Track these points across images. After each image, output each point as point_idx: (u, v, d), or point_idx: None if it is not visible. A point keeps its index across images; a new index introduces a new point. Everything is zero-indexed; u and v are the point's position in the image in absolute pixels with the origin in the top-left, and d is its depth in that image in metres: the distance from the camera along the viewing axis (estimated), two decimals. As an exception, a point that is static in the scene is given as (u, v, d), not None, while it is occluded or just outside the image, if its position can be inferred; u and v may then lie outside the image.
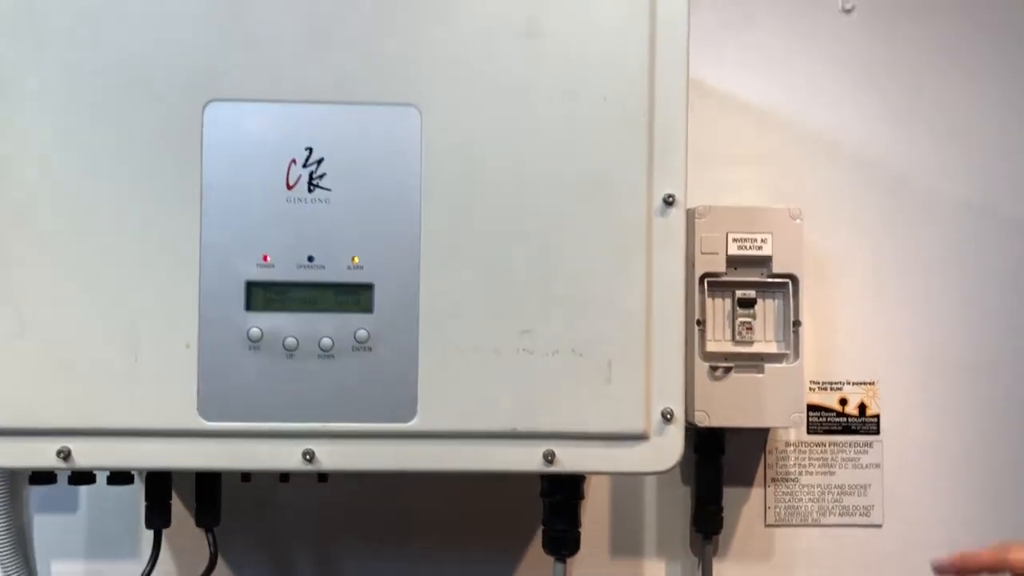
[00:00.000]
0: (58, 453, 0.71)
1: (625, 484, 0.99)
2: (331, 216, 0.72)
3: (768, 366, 0.89)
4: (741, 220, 0.89)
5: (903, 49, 1.02)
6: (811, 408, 1.00)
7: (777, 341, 0.90)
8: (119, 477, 0.83)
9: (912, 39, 1.02)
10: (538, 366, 0.73)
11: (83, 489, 0.96)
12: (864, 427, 1.01)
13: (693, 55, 0.75)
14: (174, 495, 0.86)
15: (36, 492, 0.96)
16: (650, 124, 0.73)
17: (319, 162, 0.72)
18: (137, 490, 0.95)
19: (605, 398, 0.73)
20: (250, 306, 0.72)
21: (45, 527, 0.97)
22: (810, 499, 1.00)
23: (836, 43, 1.02)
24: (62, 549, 0.97)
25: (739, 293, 0.90)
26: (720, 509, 0.97)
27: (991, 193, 1.02)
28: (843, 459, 1.01)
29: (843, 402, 1.01)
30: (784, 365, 0.90)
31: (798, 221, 0.90)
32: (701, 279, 0.89)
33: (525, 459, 0.73)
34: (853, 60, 1.02)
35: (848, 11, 1.02)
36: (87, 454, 0.71)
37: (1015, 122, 1.03)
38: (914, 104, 1.02)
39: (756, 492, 1.00)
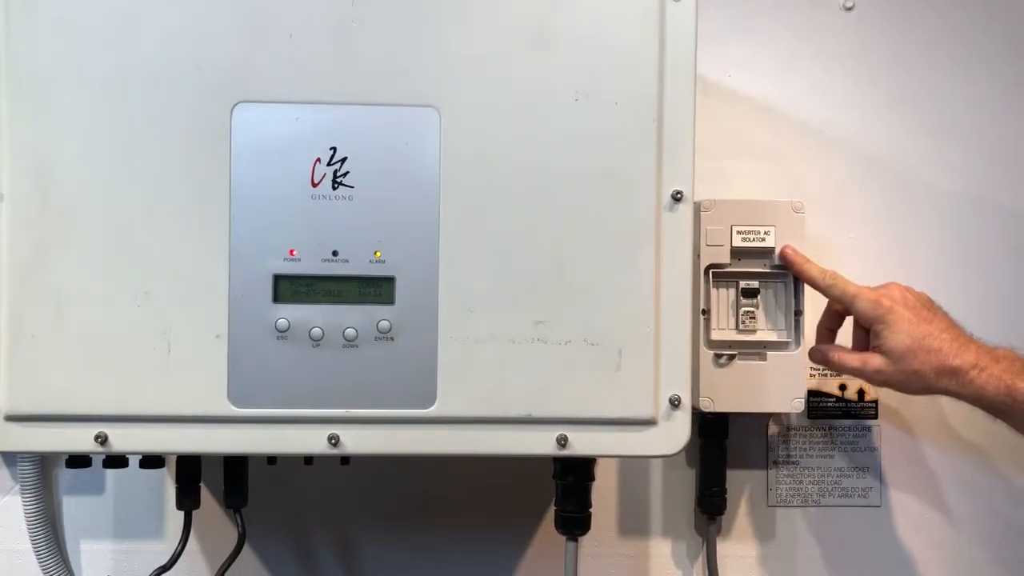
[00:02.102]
0: (95, 438, 0.73)
1: (632, 467, 1.02)
2: (354, 212, 0.74)
3: (770, 353, 0.92)
4: (745, 213, 0.91)
5: (902, 45, 1.04)
6: (812, 393, 1.02)
7: (779, 329, 0.92)
8: (151, 461, 0.86)
9: (911, 35, 1.04)
10: (551, 355, 0.75)
11: (109, 472, 0.99)
12: (863, 412, 1.03)
13: (697, 52, 0.76)
14: (195, 478, 0.89)
15: (65, 475, 0.99)
16: (659, 126, 0.75)
17: (343, 161, 0.74)
18: (160, 473, 0.98)
19: (615, 385, 0.75)
20: (277, 298, 0.74)
21: (73, 508, 1.00)
22: (811, 481, 1.03)
23: (837, 40, 1.04)
24: (90, 530, 1.00)
25: (743, 283, 0.92)
26: (724, 491, 0.99)
27: (989, 185, 1.04)
28: (842, 442, 1.03)
29: (842, 388, 1.03)
30: (786, 352, 0.92)
31: (800, 214, 0.92)
32: (706, 270, 0.91)
33: (539, 443, 0.76)
34: (854, 56, 1.04)
35: (849, 8, 1.04)
36: (123, 439, 0.74)
37: (1014, 115, 1.05)
38: (914, 98, 1.04)
39: (758, 474, 1.03)
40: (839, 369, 0.88)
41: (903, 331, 0.81)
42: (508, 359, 0.75)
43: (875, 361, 0.83)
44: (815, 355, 0.91)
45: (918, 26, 1.04)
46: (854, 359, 0.85)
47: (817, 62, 1.04)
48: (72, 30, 0.73)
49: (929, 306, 0.85)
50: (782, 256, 0.90)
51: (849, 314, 0.89)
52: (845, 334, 0.92)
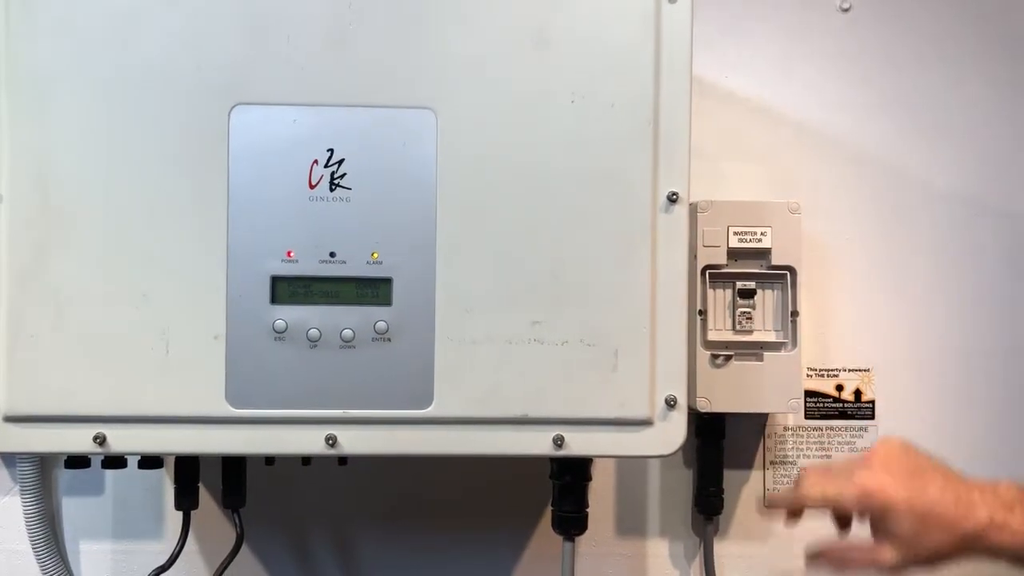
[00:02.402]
0: (94, 439, 0.74)
1: (630, 467, 1.02)
2: (351, 214, 0.74)
3: (767, 354, 0.92)
4: (741, 214, 0.92)
5: (898, 46, 1.04)
6: (808, 394, 1.02)
7: (776, 330, 0.93)
8: (149, 462, 0.86)
9: (907, 37, 1.04)
10: (548, 355, 0.75)
11: (108, 473, 1.00)
12: (859, 412, 1.03)
13: (694, 53, 0.77)
14: (194, 479, 0.89)
15: (64, 476, 1.00)
16: (655, 127, 0.76)
17: (340, 162, 0.74)
18: (159, 474, 0.99)
19: (612, 385, 0.76)
20: (275, 299, 0.74)
21: (73, 509, 1.00)
22: (807, 481, 1.03)
23: (833, 41, 1.04)
24: (89, 530, 1.00)
25: (739, 284, 0.92)
26: (721, 491, 1.00)
27: (983, 185, 1.05)
28: (839, 443, 1.03)
29: (839, 388, 1.03)
30: (782, 353, 0.92)
31: (796, 215, 0.92)
32: (703, 271, 0.92)
33: (536, 443, 0.76)
34: (850, 58, 1.04)
35: (845, 10, 1.04)
36: (121, 440, 0.74)
37: (1008, 117, 1.05)
38: (909, 100, 1.04)
39: (755, 475, 1.03)
40: (851, 573, 0.76)
41: (904, 517, 0.71)
42: (505, 360, 0.75)
43: (887, 555, 0.72)
44: (819, 564, 0.78)
45: (914, 28, 1.05)
46: (864, 558, 0.74)
47: (813, 63, 1.04)
48: (72, 32, 0.74)
49: (915, 464, 0.74)
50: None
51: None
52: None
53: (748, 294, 0.92)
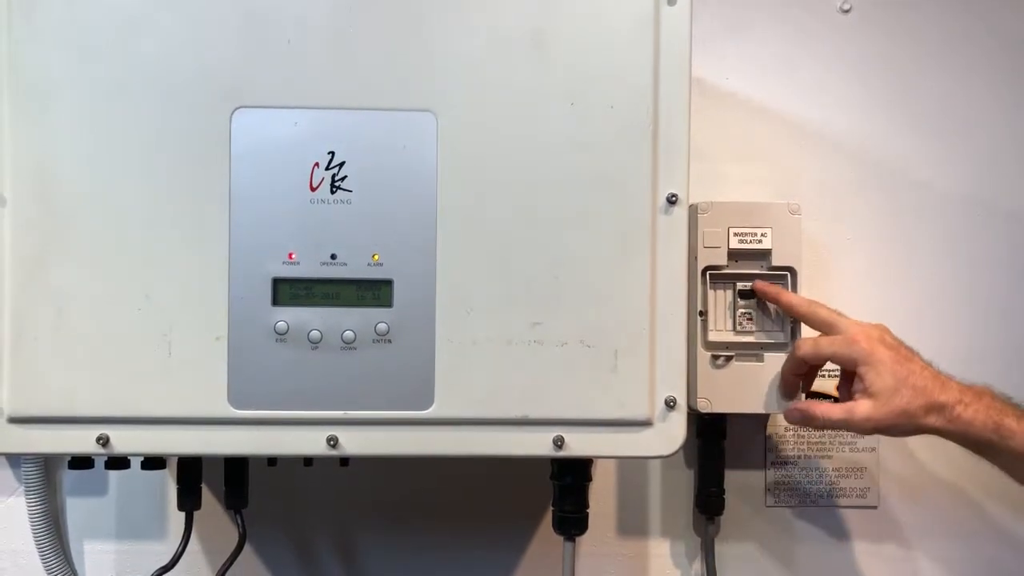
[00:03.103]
0: (97, 440, 0.74)
1: (631, 467, 1.02)
2: (352, 216, 0.75)
3: (768, 355, 0.92)
4: (742, 215, 0.92)
5: (900, 47, 1.04)
6: (809, 394, 1.02)
7: (776, 331, 0.93)
8: (152, 462, 0.86)
9: (909, 37, 1.04)
10: (548, 356, 0.76)
11: (112, 473, 1.00)
12: (860, 412, 1.03)
13: (694, 54, 0.77)
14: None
15: (68, 476, 1.01)
16: (655, 129, 0.76)
17: (341, 165, 0.75)
18: (162, 474, 0.99)
19: (612, 386, 0.76)
20: (277, 301, 0.75)
21: (77, 510, 1.01)
22: (808, 481, 1.03)
23: (835, 42, 1.04)
24: (93, 530, 1.01)
25: (740, 285, 0.92)
26: (722, 491, 1.00)
27: (984, 185, 1.05)
28: (840, 443, 1.04)
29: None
30: (783, 354, 0.92)
31: (797, 216, 0.92)
32: (703, 272, 0.92)
33: (536, 444, 0.76)
34: (851, 58, 1.04)
35: (846, 11, 1.04)
36: (125, 441, 0.75)
37: (1009, 117, 1.05)
38: (911, 100, 1.04)
39: (756, 475, 1.03)
40: (823, 425, 0.85)
41: (887, 371, 0.79)
42: (505, 361, 0.76)
43: (862, 408, 0.79)
44: (793, 416, 0.86)
45: (915, 28, 1.05)
46: (838, 410, 0.81)
47: (814, 64, 1.04)
48: (74, 36, 0.74)
49: (906, 347, 0.83)
50: (755, 290, 0.90)
51: (814, 363, 0.86)
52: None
53: (748, 295, 0.92)
